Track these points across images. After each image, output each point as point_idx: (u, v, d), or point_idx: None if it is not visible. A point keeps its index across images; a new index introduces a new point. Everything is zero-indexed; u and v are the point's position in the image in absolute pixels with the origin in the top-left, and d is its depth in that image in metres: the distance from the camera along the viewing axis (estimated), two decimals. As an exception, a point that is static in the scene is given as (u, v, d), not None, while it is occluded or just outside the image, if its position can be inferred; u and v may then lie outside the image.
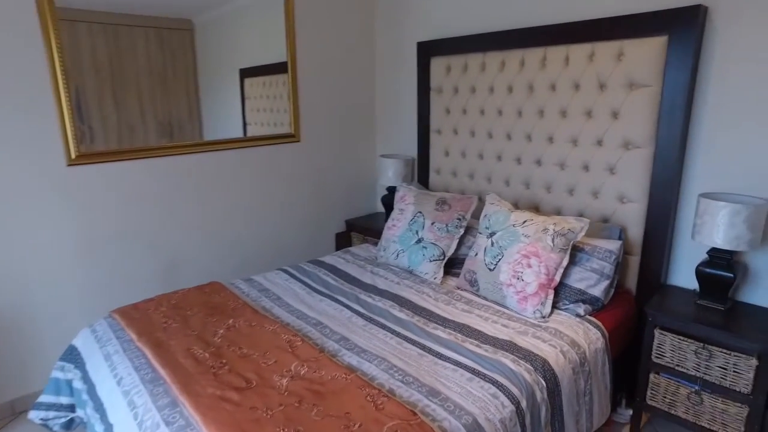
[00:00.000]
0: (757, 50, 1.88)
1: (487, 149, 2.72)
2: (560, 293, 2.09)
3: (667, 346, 1.97)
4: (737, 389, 1.83)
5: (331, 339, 1.88)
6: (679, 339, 1.93)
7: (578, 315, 2.05)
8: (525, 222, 2.16)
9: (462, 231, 2.47)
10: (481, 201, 2.58)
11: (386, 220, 2.77)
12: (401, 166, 3.17)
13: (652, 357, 2.01)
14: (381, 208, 3.60)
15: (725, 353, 1.83)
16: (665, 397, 2.03)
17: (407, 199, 2.68)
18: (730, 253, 1.93)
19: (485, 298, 2.21)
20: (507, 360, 1.72)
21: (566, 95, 2.33)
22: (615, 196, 2.25)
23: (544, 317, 2.02)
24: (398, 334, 1.91)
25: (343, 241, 3.45)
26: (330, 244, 3.43)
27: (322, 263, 2.67)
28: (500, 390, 1.57)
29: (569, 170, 2.39)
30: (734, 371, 1.83)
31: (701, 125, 2.04)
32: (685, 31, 1.95)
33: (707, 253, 2.00)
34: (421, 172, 3.13)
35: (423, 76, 2.98)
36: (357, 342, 1.86)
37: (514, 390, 1.59)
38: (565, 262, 2.08)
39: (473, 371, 1.66)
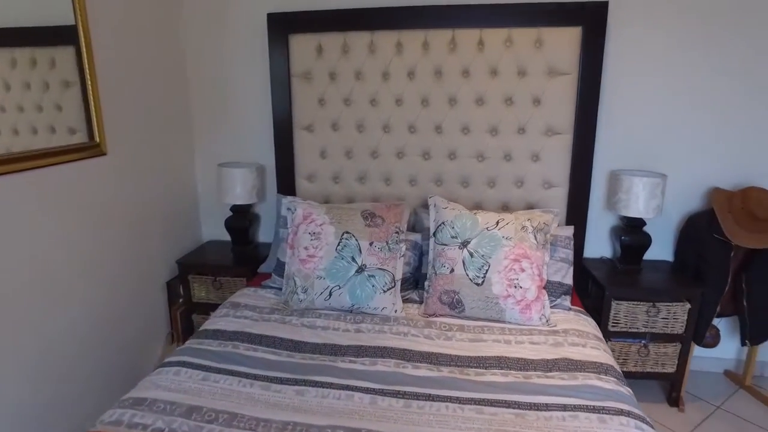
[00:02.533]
0: (642, 44, 2.18)
1: (383, 145, 2.32)
2: (546, 291, 1.99)
3: (621, 314, 2.16)
4: (675, 332, 2.17)
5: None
6: (633, 304, 2.14)
7: (567, 308, 2.01)
8: (498, 223, 1.94)
9: (403, 247, 2.05)
10: (425, 207, 2.25)
11: (235, 249, 2.10)
12: (253, 177, 2.39)
13: (609, 326, 2.18)
14: (209, 237, 2.67)
15: (668, 305, 2.14)
16: (618, 358, 2.23)
17: (316, 219, 2.03)
18: (642, 221, 2.24)
19: (476, 319, 1.91)
20: (591, 380, 1.53)
21: (482, 82, 2.19)
22: (539, 183, 2.28)
23: (548, 321, 1.89)
24: (454, 400, 1.43)
25: (176, 293, 2.40)
26: (159, 300, 2.34)
27: (218, 334, 1.77)
28: (640, 423, 1.38)
29: (489, 161, 2.28)
30: (673, 318, 2.16)
31: (604, 111, 2.25)
32: (595, 23, 2.08)
33: (624, 223, 2.27)
34: (282, 181, 2.43)
35: (279, 59, 2.28)
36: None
37: (635, 410, 1.43)
38: (547, 258, 1.99)
39: (587, 408, 1.41)
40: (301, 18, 2.22)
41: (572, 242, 2.13)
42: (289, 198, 2.16)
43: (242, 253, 2.47)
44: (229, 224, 2.45)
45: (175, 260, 2.39)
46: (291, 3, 2.27)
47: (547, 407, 1.42)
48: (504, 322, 1.89)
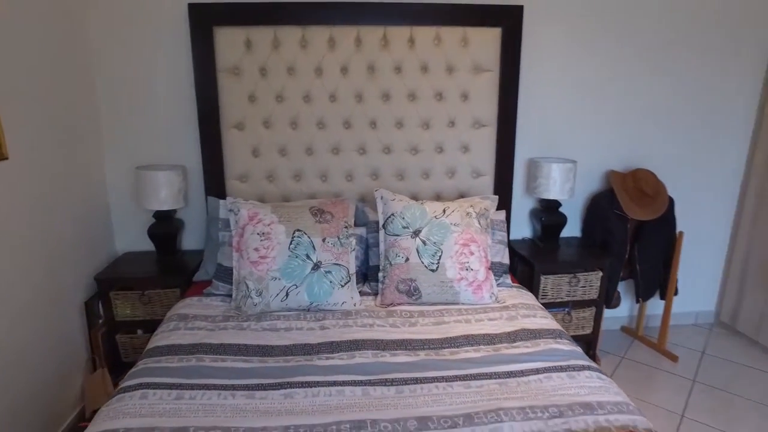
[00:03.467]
0: (553, 44, 2.44)
1: (318, 142, 2.29)
2: (491, 271, 2.13)
3: (548, 287, 2.39)
4: (591, 298, 2.46)
5: None
6: (558, 277, 2.38)
7: (509, 285, 2.18)
8: (445, 211, 2.04)
9: (353, 241, 2.05)
10: (363, 201, 2.27)
11: (161, 259, 2.06)
12: (179, 179, 2.20)
13: (539, 299, 2.39)
14: (125, 248, 2.41)
15: (585, 275, 2.41)
16: (546, 328, 2.47)
17: (264, 219, 1.95)
18: (558, 203, 2.50)
19: (433, 303, 1.99)
20: (551, 345, 1.70)
21: (414, 78, 2.27)
22: (469, 172, 2.43)
23: (498, 299, 2.03)
24: (441, 379, 1.50)
25: (93, 313, 2.12)
26: (75, 323, 2.04)
27: (174, 349, 1.63)
28: (599, 374, 1.56)
29: (423, 154, 2.37)
30: (589, 286, 2.44)
31: (522, 104, 2.46)
32: (512, 25, 2.28)
33: (543, 206, 2.52)
34: (211, 183, 2.28)
35: (203, 54, 2.13)
36: (432, 412, 1.35)
37: (594, 365, 1.62)
38: (489, 241, 2.14)
39: (556, 369, 1.56)
40: (227, 10, 2.11)
41: (506, 225, 2.32)
42: (230, 199, 2.04)
43: (169, 263, 2.27)
44: (153, 232, 2.23)
45: (93, 276, 2.12)
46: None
47: (522, 373, 1.55)
48: (459, 303, 2.00)
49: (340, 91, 2.25)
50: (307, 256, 1.92)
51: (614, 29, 2.47)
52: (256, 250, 1.91)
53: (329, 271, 1.92)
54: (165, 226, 2.26)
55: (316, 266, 1.92)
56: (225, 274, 2.04)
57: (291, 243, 1.92)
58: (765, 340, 2.69)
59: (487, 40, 2.28)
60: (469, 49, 2.27)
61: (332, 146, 2.31)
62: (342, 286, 1.93)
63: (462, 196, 2.45)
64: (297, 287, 1.89)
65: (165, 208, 2.19)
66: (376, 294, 2.07)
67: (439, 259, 1.98)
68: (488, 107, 2.36)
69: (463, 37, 2.26)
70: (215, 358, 1.60)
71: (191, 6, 2.09)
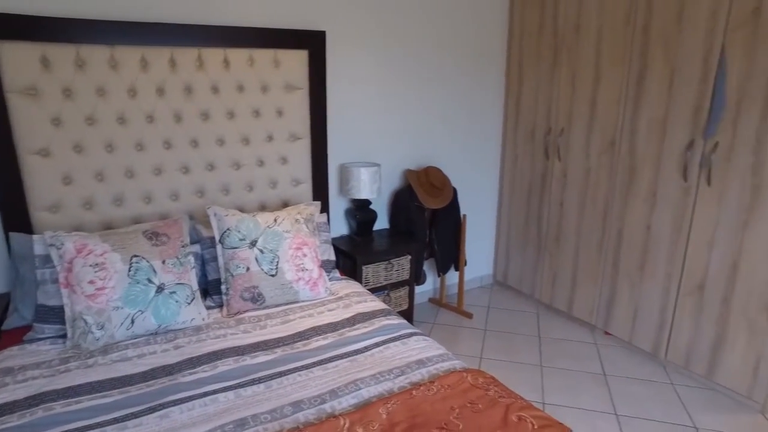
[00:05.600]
0: (353, 64, 2.80)
1: (138, 164, 2.23)
2: (323, 268, 2.39)
3: (369, 275, 2.76)
4: (404, 279, 2.91)
5: None
6: (376, 265, 2.76)
7: (339, 278, 2.47)
8: (276, 220, 2.23)
9: (192, 259, 2.10)
10: (192, 218, 2.32)
11: None
12: (-30, 216, 1.93)
13: (363, 285, 2.74)
14: None
15: (398, 260, 2.85)
16: (371, 310, 2.84)
17: (94, 249, 1.87)
18: (369, 201, 2.88)
19: (276, 305, 2.16)
20: (383, 322, 2.05)
21: (231, 97, 2.38)
22: (289, 182, 2.64)
23: (332, 292, 2.31)
24: (301, 368, 1.73)
25: None
26: None
27: (10, 407, 1.50)
28: (424, 336, 1.96)
29: (245, 168, 2.50)
30: (402, 269, 2.89)
31: (332, 117, 2.77)
32: (317, 48, 2.56)
33: (355, 205, 2.87)
34: (12, 217, 2.03)
35: (-15, 72, 1.90)
36: (302, 396, 1.57)
37: (418, 330, 2.01)
38: (318, 242, 2.39)
39: (392, 340, 1.91)
40: (15, 23, 1.92)
41: (328, 226, 2.61)
42: (49, 233, 1.89)
43: (-34, 313, 1.98)
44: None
45: None
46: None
47: (366, 349, 1.86)
48: (300, 301, 2.23)
49: (157, 112, 2.24)
50: (149, 280, 1.92)
51: (402, 52, 2.96)
52: (92, 282, 1.84)
53: (174, 292, 1.96)
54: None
55: (160, 288, 1.93)
56: (50, 314, 1.90)
57: (130, 270, 1.89)
58: (526, 289, 3.54)
59: (297, 61, 2.52)
60: (280, 69, 2.48)
61: (154, 167, 2.29)
62: (188, 304, 1.98)
63: (285, 204, 2.66)
64: (143, 312, 1.88)
65: (-44, 251, 1.92)
66: (221, 306, 2.16)
67: (277, 264, 2.17)
68: (302, 121, 2.61)
69: (275, 59, 2.46)
70: (67, 402, 1.53)
71: (-34, 20, 1.86)
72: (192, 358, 1.77)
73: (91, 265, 1.86)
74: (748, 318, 2.36)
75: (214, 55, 2.31)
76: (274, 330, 1.99)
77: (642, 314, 2.81)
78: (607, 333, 3.06)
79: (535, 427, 1.41)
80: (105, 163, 2.18)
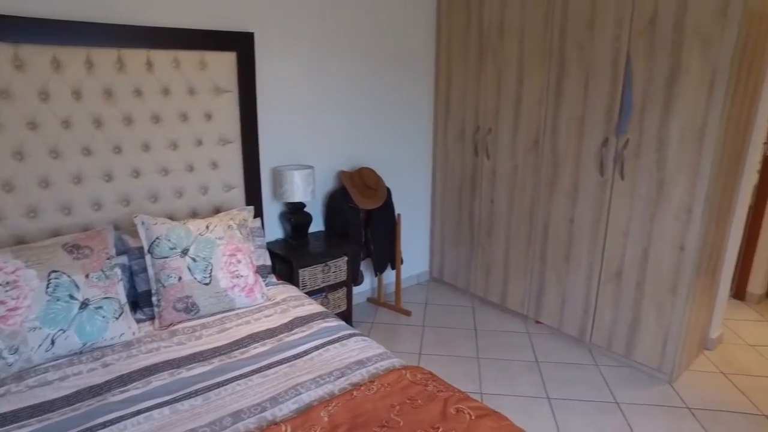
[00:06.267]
0: (285, 65, 2.76)
1: (54, 173, 2.09)
2: (258, 274, 2.34)
3: (306, 278, 2.74)
4: (341, 280, 2.91)
5: None
6: (313, 268, 2.75)
7: (275, 283, 2.43)
8: (208, 227, 2.17)
9: (119, 271, 2.00)
10: (117, 228, 2.20)
11: None
12: None
13: (300, 289, 2.72)
14: None
15: (334, 261, 2.85)
16: (310, 313, 2.82)
17: (4, 266, 1.73)
18: (303, 204, 2.86)
19: (212, 314, 2.10)
20: (322, 325, 2.05)
21: (156, 100, 2.28)
22: (221, 187, 2.57)
23: (268, 298, 2.27)
24: (239, 377, 1.70)
25: None
26: None
27: None
28: (363, 337, 1.98)
29: (174, 174, 2.40)
30: (339, 270, 2.89)
31: (263, 120, 2.73)
32: (246, 50, 2.51)
33: (290, 209, 2.84)
34: None
35: None
36: (242, 406, 1.55)
37: (357, 331, 2.03)
38: (252, 247, 2.34)
39: (331, 342, 1.92)
40: None
41: (263, 230, 2.57)
42: (-48, 250, 1.74)
43: None
44: None
45: None
46: None
47: (306, 353, 1.86)
48: (236, 309, 2.18)
49: (74, 117, 2.11)
50: (71, 297, 1.81)
51: (333, 54, 2.95)
52: (2, 303, 1.70)
53: (100, 307, 1.86)
54: None
55: (84, 304, 1.82)
56: (-43, 338, 1.74)
57: (48, 287, 1.77)
58: (462, 284, 3.65)
59: (224, 63, 2.46)
60: (208, 71, 2.41)
61: (72, 176, 2.15)
62: (116, 319, 1.89)
63: (217, 210, 2.59)
64: (64, 331, 1.77)
65: None
66: (153, 318, 2.07)
67: (211, 272, 2.11)
68: (232, 125, 2.55)
69: (202, 61, 2.38)
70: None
71: None
72: (122, 375, 1.69)
73: (1, 285, 1.73)
74: (656, 300, 2.57)
75: (135, 56, 2.21)
76: (211, 340, 1.94)
77: (569, 302, 2.99)
78: (538, 322, 3.22)
79: (473, 417, 1.47)
80: (13, 172, 2.02)
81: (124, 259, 2.15)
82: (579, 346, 2.98)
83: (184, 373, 1.71)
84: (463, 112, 3.39)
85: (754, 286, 3.63)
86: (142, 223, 2.10)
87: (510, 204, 3.21)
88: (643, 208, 2.56)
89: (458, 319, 3.32)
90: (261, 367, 1.75)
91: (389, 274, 3.56)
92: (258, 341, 1.93)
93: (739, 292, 3.68)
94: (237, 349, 1.87)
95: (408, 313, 3.36)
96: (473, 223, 3.48)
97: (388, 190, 3.20)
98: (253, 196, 2.72)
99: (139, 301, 2.14)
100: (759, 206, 3.52)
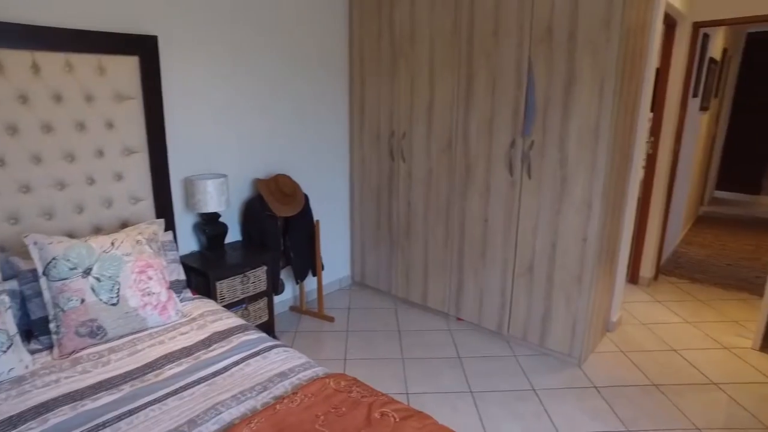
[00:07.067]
0: (193, 70, 2.64)
1: (-77, 191, 1.85)
2: (172, 290, 2.21)
3: (224, 290, 2.63)
4: (262, 290, 2.83)
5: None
6: (231, 280, 2.65)
7: (191, 298, 2.31)
8: (114, 243, 2.02)
9: (6, 298, 1.80)
10: (3, 251, 1.98)
11: None
12: None
13: (218, 302, 2.61)
14: None
15: (253, 272, 2.76)
16: (230, 326, 2.71)
17: None
18: (218, 214, 2.75)
19: (121, 337, 1.96)
20: (242, 338, 1.98)
21: (47, 108, 2.09)
22: (127, 200, 2.40)
23: (184, 314, 2.16)
24: (153, 402, 1.60)
25: None
26: None
27: None
28: (285, 348, 1.94)
29: (72, 188, 2.21)
30: (259, 280, 2.81)
31: (172, 128, 2.59)
32: (149, 54, 2.37)
33: (204, 219, 2.72)
34: None
35: None
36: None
37: (279, 342, 1.98)
38: (164, 262, 2.21)
39: (251, 355, 1.86)
40: None
41: (175, 243, 2.44)
42: None
43: None
44: None
45: None
46: None
47: (225, 369, 1.79)
48: (149, 328, 2.05)
49: (-55, 128, 1.89)
50: (-51, 330, 1.61)
51: (245, 59, 2.88)
52: None
53: (-17, 339, 1.67)
54: None
55: (-36, 338, 1.63)
56: None
57: None
58: (384, 286, 3.69)
59: (126, 68, 2.31)
60: (107, 77, 2.25)
61: (-55, 193, 1.92)
62: (4, 352, 1.70)
63: (124, 224, 2.43)
64: (-59, 370, 1.57)
65: None
66: (50, 347, 1.89)
67: (118, 292, 1.97)
68: (137, 134, 2.40)
69: (99, 65, 2.22)
70: None
71: None
72: (12, 416, 1.52)
73: None
74: (565, 290, 2.76)
75: (17, 58, 2.01)
76: (120, 364, 1.81)
77: (486, 298, 3.12)
78: (459, 319, 3.33)
79: (397, 420, 1.49)
80: None
81: (13, 284, 1.94)
82: (498, 339, 3.12)
83: (89, 404, 1.58)
84: (378, 117, 3.44)
85: (645, 270, 4.00)
86: (35, 243, 1.91)
87: (426, 205, 3.29)
88: (549, 204, 2.73)
89: (381, 321, 3.35)
90: (177, 389, 1.66)
91: (311, 281, 3.52)
92: (173, 361, 1.83)
93: (633, 276, 4.04)
94: (150, 372, 1.76)
95: (331, 320, 3.34)
96: (392, 225, 3.53)
97: (306, 196, 3.17)
98: (163, 208, 2.57)
99: (34, 329, 1.94)
100: (645, 199, 3.89)
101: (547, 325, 2.88)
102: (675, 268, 4.41)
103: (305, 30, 3.19)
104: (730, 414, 2.46)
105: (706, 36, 4.10)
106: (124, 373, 1.75)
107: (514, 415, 2.41)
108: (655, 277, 4.14)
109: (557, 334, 2.85)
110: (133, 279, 2.02)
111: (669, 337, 3.19)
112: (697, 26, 3.65)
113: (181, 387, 1.67)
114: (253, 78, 2.96)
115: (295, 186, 3.09)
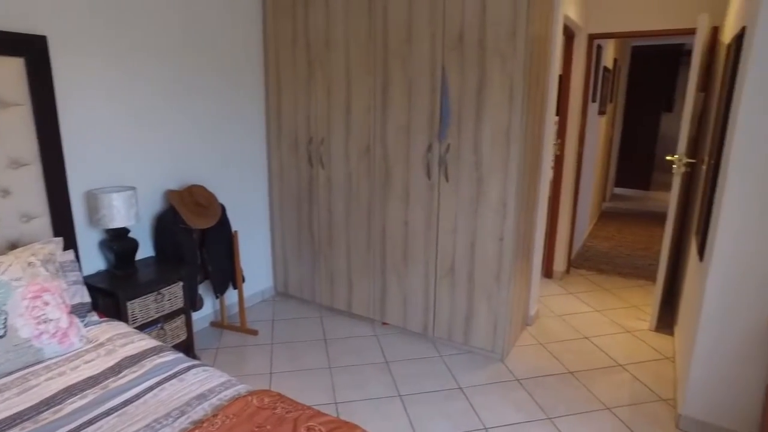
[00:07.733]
0: (93, 75, 2.43)
1: None
2: (75, 314, 2.01)
3: (137, 310, 2.45)
4: (178, 307, 2.67)
5: None
6: (143, 298, 2.47)
7: (98, 322, 2.13)
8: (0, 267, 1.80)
9: None
10: None
11: None
12: None
13: (129, 324, 2.42)
14: None
15: (168, 288, 2.60)
16: (143, 349, 2.52)
17: None
18: (127, 229, 2.56)
19: (10, 373, 1.75)
20: (155, 361, 1.84)
21: None
22: (17, 218, 2.16)
23: (89, 340, 1.98)
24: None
25: None
26: None
27: None
28: (204, 367, 1.83)
29: (-53, 206, 1.95)
30: (174, 297, 2.64)
31: (70, 137, 2.37)
32: (37, 56, 2.16)
33: (111, 235, 2.52)
34: None
35: None
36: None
37: (198, 361, 1.87)
38: (65, 285, 2.02)
39: (166, 379, 1.74)
40: None
41: (78, 264, 2.23)
42: None
43: None
44: None
45: None
46: None
47: (138, 396, 1.66)
48: (46, 360, 1.86)
49: None
50: None
51: (153, 63, 2.70)
52: None
53: None
54: None
55: None
56: None
57: None
58: (308, 295, 3.62)
59: (9, 71, 2.08)
60: (-16, 82, 2.02)
61: None
62: None
63: (14, 245, 2.18)
64: None
65: None
66: (-76, 391, 1.66)
67: (5, 322, 1.77)
68: (26, 144, 2.17)
69: (-26, 70, 1.99)
70: None
71: None
72: None
73: None
74: (485, 289, 2.85)
75: None
76: (8, 405, 1.60)
77: (410, 301, 3.15)
78: (384, 323, 3.34)
79: (324, 432, 1.45)
80: None
81: None
82: (424, 341, 3.16)
83: (-26, 453, 1.40)
84: (296, 124, 3.38)
85: (558, 264, 4.24)
86: None
87: (347, 211, 3.28)
88: (467, 205, 2.81)
89: (307, 331, 3.28)
90: (80, 425, 1.50)
91: (231, 294, 3.38)
92: (76, 394, 1.66)
93: (548, 271, 4.27)
94: (47, 410, 1.58)
95: (255, 333, 3.22)
96: (313, 233, 3.47)
97: (223, 206, 3.04)
98: (62, 225, 2.35)
99: None
100: (555, 198, 4.13)
101: (471, 324, 2.96)
102: (584, 261, 4.73)
103: (217, 31, 3.07)
104: (633, 391, 2.66)
105: (599, 47, 4.44)
106: (13, 415, 1.55)
107: (443, 414, 2.45)
108: (567, 271, 4.40)
109: (480, 332, 2.94)
110: (24, 306, 1.82)
111: (581, 326, 3.40)
112: (592, 38, 3.94)
113: (85, 422, 1.52)
114: (162, 83, 2.79)
115: (211, 196, 2.95)
